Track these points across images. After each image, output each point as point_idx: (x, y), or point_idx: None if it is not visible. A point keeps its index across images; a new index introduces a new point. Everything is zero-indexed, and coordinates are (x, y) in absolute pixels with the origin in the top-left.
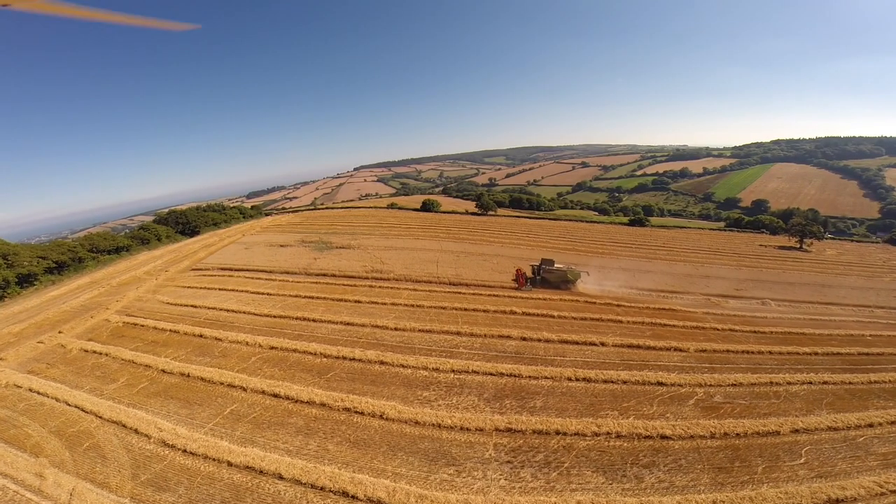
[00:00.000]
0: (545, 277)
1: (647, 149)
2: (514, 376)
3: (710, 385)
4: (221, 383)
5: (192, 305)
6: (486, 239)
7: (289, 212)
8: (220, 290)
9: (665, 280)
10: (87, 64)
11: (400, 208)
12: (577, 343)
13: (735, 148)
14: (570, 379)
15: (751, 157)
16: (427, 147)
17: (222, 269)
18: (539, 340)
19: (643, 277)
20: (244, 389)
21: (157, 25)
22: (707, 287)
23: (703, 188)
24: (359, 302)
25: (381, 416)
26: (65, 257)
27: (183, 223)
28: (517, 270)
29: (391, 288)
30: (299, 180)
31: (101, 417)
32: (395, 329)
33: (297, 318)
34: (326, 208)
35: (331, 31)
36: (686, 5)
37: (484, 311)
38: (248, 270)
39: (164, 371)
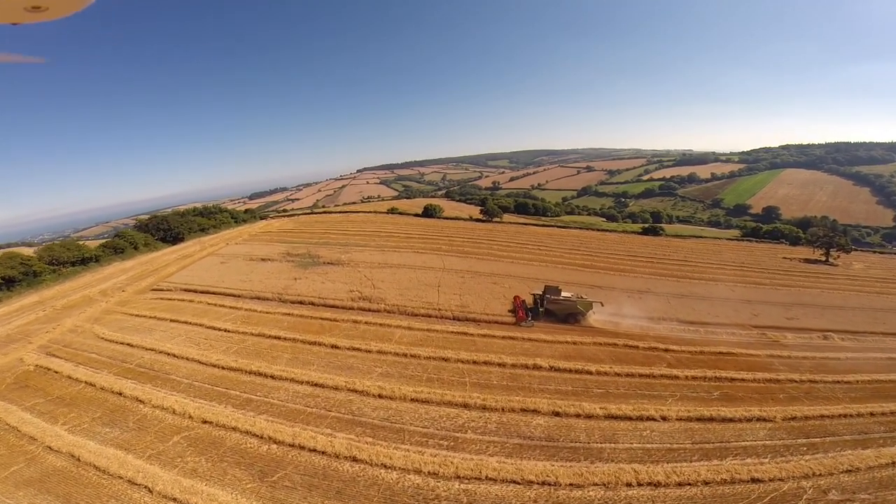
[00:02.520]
0: (550, 309)
1: (653, 153)
2: (549, 485)
3: (819, 474)
4: (120, 477)
5: (128, 344)
6: (493, 253)
7: (284, 216)
8: (171, 321)
9: (705, 308)
10: (95, 62)
11: (400, 213)
12: (629, 418)
13: (743, 153)
14: (629, 485)
15: (759, 162)
16: (430, 150)
17: (186, 289)
18: (578, 416)
19: (679, 305)
20: (149, 491)
21: (11, 60)
22: (754, 316)
23: (712, 194)
24: (336, 348)
25: None
26: (15, 272)
27: (164, 230)
28: (515, 299)
29: (380, 325)
30: (302, 182)
31: None
32: (380, 396)
33: (250, 372)
34: (323, 212)
35: (334, 31)
36: (692, 7)
37: (499, 364)
38: (213, 293)
39: (50, 448)
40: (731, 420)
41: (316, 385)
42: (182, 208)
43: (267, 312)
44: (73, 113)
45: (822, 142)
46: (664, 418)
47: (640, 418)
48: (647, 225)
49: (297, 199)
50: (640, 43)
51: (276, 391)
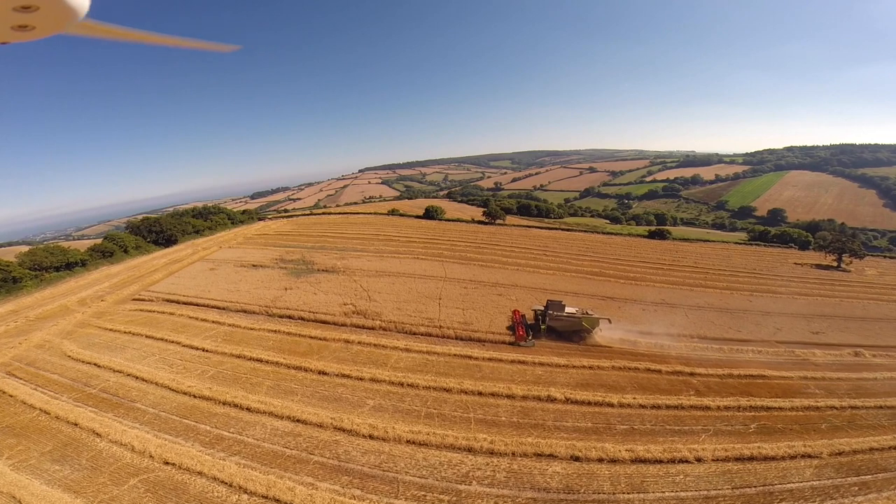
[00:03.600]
0: (553, 326)
1: (656, 154)
2: None
3: None
4: None
5: (95, 364)
6: (497, 259)
7: (283, 216)
8: (146, 337)
9: (724, 321)
10: (98, 63)
11: (401, 215)
12: (659, 461)
13: (747, 154)
14: None
15: (764, 164)
16: (432, 150)
17: (169, 300)
18: (600, 460)
19: (697, 317)
20: None
21: (203, 47)
22: (777, 330)
23: (716, 196)
24: (323, 374)
25: None
26: None
27: (157, 232)
28: (514, 314)
29: (375, 345)
30: (304, 181)
31: None
32: (371, 437)
33: (225, 403)
34: (323, 213)
35: (338, 31)
36: (697, 7)
37: (508, 395)
38: (197, 305)
39: None
40: (772, 458)
41: (298, 421)
42: (182, 208)
43: (251, 328)
44: (77, 112)
45: (827, 143)
46: (699, 459)
47: (672, 461)
48: (653, 228)
49: (299, 199)
50: (644, 44)
51: (252, 427)
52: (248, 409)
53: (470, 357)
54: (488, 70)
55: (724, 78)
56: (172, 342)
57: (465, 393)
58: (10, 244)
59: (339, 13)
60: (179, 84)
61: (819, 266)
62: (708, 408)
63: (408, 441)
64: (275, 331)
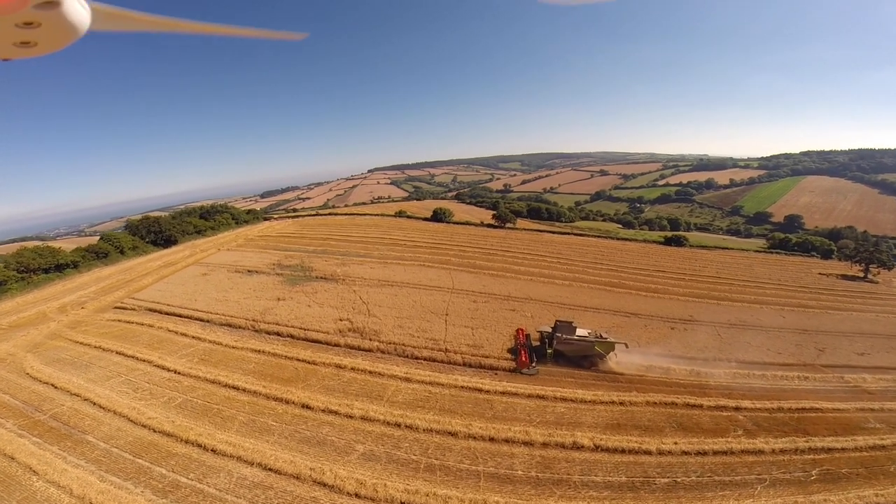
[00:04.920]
0: (561, 350)
1: (668, 157)
2: None
3: None
4: None
5: (53, 384)
6: (509, 267)
7: (288, 217)
8: (117, 353)
9: (760, 340)
10: (110, 62)
11: (409, 217)
12: None
13: (762, 159)
14: None
15: (780, 168)
16: (441, 151)
17: (152, 309)
18: None
19: (732, 338)
20: None
21: (272, 36)
22: (820, 352)
23: (731, 201)
24: (307, 408)
25: None
26: None
27: (156, 232)
28: (518, 334)
29: (370, 372)
30: (314, 181)
31: None
32: (357, 495)
33: (188, 441)
34: (329, 214)
35: (349, 31)
36: (710, 9)
37: (525, 442)
38: (179, 316)
39: None
40: None
41: (270, 469)
42: (192, 205)
43: (233, 347)
44: (93, 110)
45: (846, 148)
46: None
47: None
48: (668, 234)
49: (309, 199)
50: (657, 45)
51: (215, 474)
52: (214, 451)
53: (480, 390)
54: (499, 71)
55: (739, 80)
56: (143, 360)
57: (474, 438)
58: (24, 239)
59: (350, 13)
60: (193, 82)
61: (844, 276)
62: (761, 451)
63: (402, 503)
64: (259, 350)
